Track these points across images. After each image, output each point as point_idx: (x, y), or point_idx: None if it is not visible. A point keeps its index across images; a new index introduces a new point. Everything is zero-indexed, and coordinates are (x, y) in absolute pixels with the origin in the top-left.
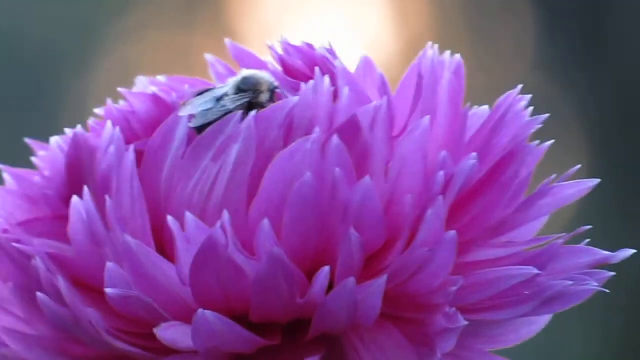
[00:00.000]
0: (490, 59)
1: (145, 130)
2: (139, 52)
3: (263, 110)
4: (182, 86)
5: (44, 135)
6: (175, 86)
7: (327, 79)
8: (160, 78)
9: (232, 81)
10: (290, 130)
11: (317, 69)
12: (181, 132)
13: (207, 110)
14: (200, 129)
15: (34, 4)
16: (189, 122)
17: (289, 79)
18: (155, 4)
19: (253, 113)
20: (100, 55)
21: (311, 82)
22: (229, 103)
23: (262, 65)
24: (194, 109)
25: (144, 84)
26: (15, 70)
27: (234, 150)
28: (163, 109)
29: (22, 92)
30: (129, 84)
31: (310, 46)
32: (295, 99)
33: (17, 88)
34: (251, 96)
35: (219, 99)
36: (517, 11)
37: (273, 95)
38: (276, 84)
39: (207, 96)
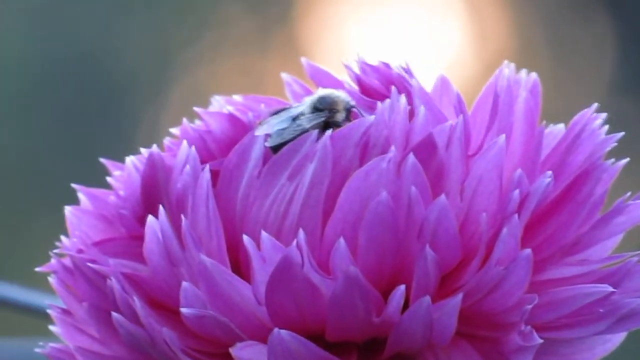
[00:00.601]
0: (569, 79)
1: (221, 149)
2: (212, 75)
3: (339, 129)
4: (258, 105)
5: (119, 156)
6: (251, 105)
7: (403, 98)
8: (236, 97)
9: (309, 100)
10: (366, 150)
11: (393, 87)
12: (257, 151)
13: (283, 129)
14: (276, 148)
15: (113, 30)
16: (265, 141)
17: (365, 98)
18: (229, 28)
19: (329, 132)
20: (175, 78)
21: (387, 101)
22: (305, 122)
23: (338, 84)
24: (270, 128)
25: (220, 104)
26: (92, 92)
27: (310, 169)
28: (239, 128)
29: (98, 113)
30: (203, 106)
31: (386, 65)
32: (372, 118)
33: (93, 109)
34: (327, 115)
35: (295, 118)
36: (596, 32)
37: (349, 114)
38: (352, 103)
39: (283, 115)
